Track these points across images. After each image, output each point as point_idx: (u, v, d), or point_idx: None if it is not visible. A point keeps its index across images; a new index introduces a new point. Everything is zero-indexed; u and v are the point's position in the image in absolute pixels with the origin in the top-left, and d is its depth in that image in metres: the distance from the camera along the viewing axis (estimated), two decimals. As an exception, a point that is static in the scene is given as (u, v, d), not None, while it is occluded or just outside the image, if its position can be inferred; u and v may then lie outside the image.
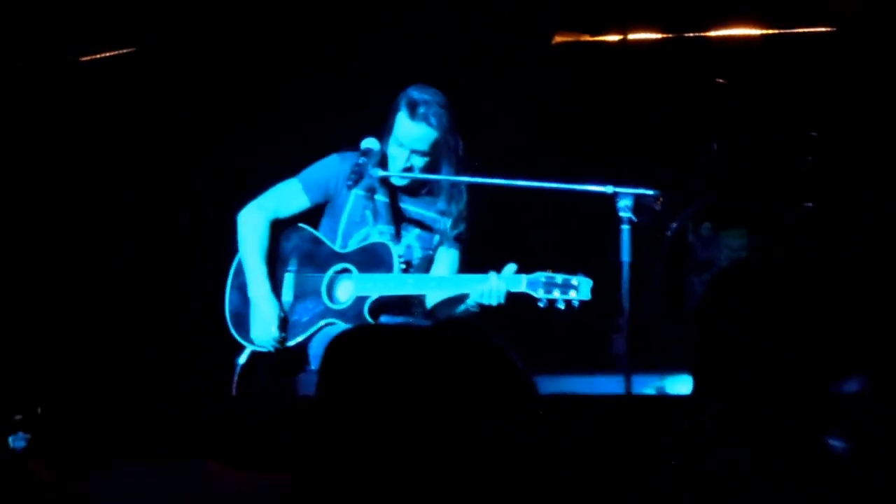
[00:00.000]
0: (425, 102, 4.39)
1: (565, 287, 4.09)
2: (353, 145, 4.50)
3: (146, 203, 5.54)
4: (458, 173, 4.45)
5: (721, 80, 5.32)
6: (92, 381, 5.17)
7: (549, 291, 4.10)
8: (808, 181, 5.18)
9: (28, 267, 5.50)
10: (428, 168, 4.43)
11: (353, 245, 4.48)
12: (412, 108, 4.38)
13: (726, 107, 5.34)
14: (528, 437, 1.75)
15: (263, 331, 4.43)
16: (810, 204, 5.08)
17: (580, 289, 4.09)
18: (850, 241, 4.98)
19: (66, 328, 5.43)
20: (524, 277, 4.15)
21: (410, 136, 4.39)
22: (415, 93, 4.42)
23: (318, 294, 4.46)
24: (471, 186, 4.50)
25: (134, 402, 4.53)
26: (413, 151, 4.40)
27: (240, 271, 4.56)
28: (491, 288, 4.16)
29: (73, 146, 5.50)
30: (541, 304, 4.12)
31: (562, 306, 4.10)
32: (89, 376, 5.24)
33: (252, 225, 4.51)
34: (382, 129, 4.47)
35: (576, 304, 4.09)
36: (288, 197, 4.53)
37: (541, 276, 4.13)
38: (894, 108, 5.16)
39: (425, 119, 4.37)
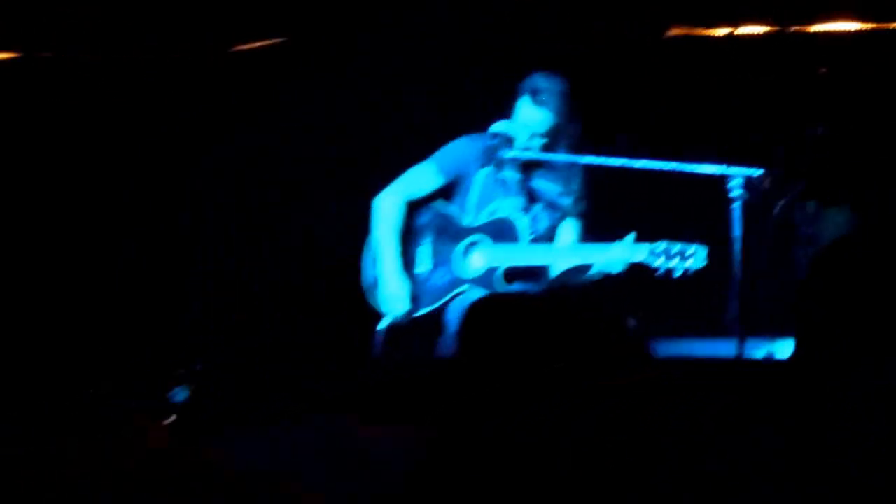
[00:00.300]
0: (547, 90, 4.69)
1: (682, 255, 4.33)
2: (480, 128, 4.80)
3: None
4: (576, 154, 4.73)
5: (824, 70, 5.54)
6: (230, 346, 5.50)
7: (668, 259, 4.34)
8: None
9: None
10: (546, 148, 4.72)
11: (483, 218, 4.77)
12: (534, 94, 4.68)
13: (831, 94, 5.57)
14: (644, 399, 1.84)
15: (393, 304, 4.77)
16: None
17: (696, 257, 4.33)
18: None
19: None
20: (645, 246, 4.39)
21: (531, 119, 4.69)
22: (538, 79, 4.71)
23: (453, 264, 4.79)
24: (591, 165, 4.75)
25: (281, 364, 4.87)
26: (533, 134, 4.71)
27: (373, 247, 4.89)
28: (614, 256, 4.43)
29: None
30: (659, 273, 4.36)
31: (678, 274, 4.34)
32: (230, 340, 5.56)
33: (388, 207, 4.83)
34: (509, 112, 4.76)
35: (691, 271, 4.33)
36: (422, 178, 4.84)
37: (660, 244, 4.36)
38: None
39: (546, 105, 4.67)
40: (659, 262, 4.37)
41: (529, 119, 4.72)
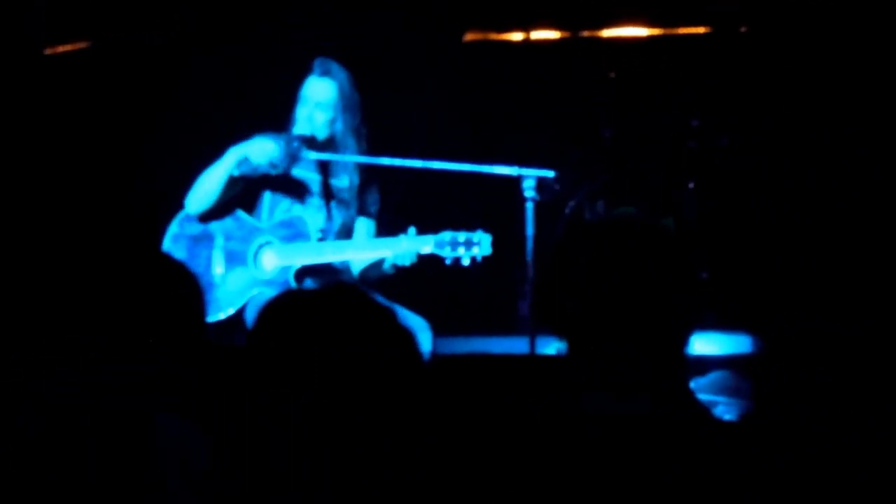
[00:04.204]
0: (332, 65, 4.68)
1: (468, 244, 4.36)
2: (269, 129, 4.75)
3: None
4: (358, 134, 4.72)
5: (612, 74, 5.72)
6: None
7: (454, 249, 4.37)
8: (690, 164, 5.62)
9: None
10: (330, 124, 4.68)
11: (276, 217, 4.73)
12: (319, 70, 4.67)
13: (618, 98, 5.75)
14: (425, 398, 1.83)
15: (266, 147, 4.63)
16: (692, 184, 5.52)
17: (482, 244, 4.37)
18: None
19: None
20: (431, 238, 4.41)
21: (315, 91, 4.67)
22: (322, 60, 4.70)
23: (246, 266, 4.72)
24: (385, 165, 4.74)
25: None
26: (317, 107, 4.66)
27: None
28: (401, 249, 4.43)
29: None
30: (447, 263, 4.39)
31: (466, 263, 4.38)
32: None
33: (201, 188, 4.68)
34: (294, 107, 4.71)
35: (479, 259, 4.38)
36: None
37: (445, 235, 4.38)
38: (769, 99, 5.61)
39: (328, 73, 4.66)
40: (446, 252, 4.40)
41: (315, 92, 4.69)
